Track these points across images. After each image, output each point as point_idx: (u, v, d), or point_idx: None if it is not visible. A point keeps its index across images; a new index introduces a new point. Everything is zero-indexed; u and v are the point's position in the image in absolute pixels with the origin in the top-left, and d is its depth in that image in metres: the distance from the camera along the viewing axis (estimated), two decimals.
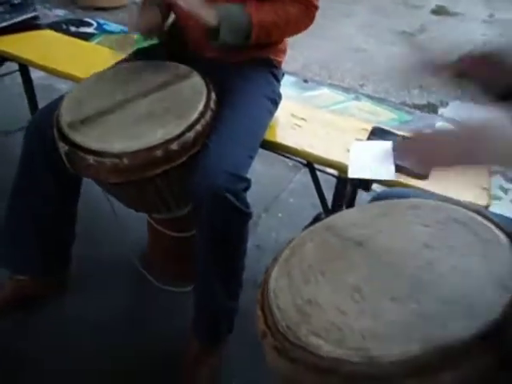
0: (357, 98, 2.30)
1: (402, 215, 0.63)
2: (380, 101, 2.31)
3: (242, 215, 0.85)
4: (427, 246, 0.56)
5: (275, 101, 1.02)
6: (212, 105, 0.87)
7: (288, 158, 1.63)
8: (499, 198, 1.68)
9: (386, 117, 2.13)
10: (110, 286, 1.21)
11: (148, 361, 1.05)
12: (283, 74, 1.12)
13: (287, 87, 2.41)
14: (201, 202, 0.82)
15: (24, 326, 1.10)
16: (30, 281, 1.09)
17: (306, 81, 2.44)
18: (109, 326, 1.12)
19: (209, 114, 0.85)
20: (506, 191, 1.73)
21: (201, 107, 0.84)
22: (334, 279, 0.56)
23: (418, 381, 0.42)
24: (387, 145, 1.03)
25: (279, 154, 1.19)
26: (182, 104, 0.85)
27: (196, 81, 0.90)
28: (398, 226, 0.62)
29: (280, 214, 1.52)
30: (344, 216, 0.69)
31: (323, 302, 0.53)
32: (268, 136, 1.08)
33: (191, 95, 0.86)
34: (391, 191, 0.79)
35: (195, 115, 0.83)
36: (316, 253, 0.62)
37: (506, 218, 0.72)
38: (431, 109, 2.29)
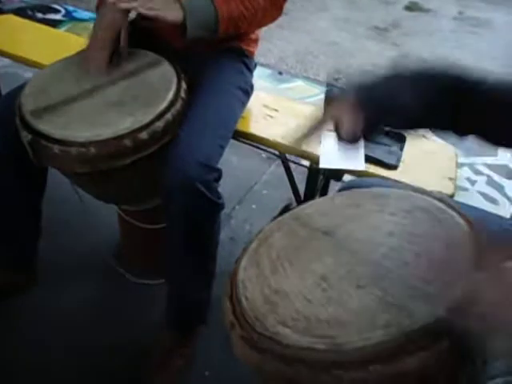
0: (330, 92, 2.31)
1: (369, 204, 0.64)
2: None
3: (214, 206, 0.85)
4: (392, 234, 0.57)
5: (247, 91, 1.01)
6: (182, 94, 0.85)
7: (261, 149, 1.64)
8: (466, 189, 1.74)
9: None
10: (81, 279, 1.19)
11: (120, 353, 1.04)
12: (255, 65, 1.11)
13: (262, 79, 2.41)
14: (171, 193, 0.81)
15: None
16: None
17: (280, 73, 2.44)
18: (80, 319, 1.10)
19: (179, 103, 0.83)
20: (473, 183, 1.79)
21: (171, 96, 0.83)
22: (301, 268, 0.57)
23: (381, 366, 0.43)
24: None
25: (251, 145, 1.19)
26: (151, 92, 0.83)
27: (166, 69, 0.88)
28: (364, 215, 0.63)
29: (254, 206, 1.52)
30: (312, 206, 0.70)
31: (290, 292, 0.53)
32: (240, 127, 1.07)
33: (161, 84, 0.85)
34: (359, 181, 0.81)
35: (165, 104, 0.81)
36: (284, 243, 0.62)
37: (469, 206, 0.75)
38: None
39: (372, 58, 2.62)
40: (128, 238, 1.20)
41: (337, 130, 0.61)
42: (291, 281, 0.55)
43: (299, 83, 2.36)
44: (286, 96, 2.16)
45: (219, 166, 0.87)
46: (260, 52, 2.78)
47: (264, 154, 1.71)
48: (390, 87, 0.59)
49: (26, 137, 0.78)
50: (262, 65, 2.36)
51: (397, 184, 0.79)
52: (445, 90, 0.59)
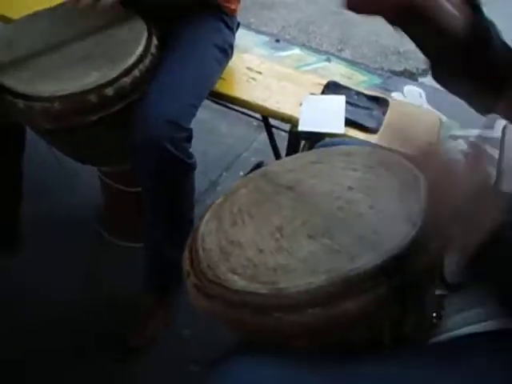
0: (328, 60, 2.25)
1: (334, 161, 0.64)
2: (353, 64, 2.27)
3: (184, 165, 0.84)
4: (351, 188, 0.57)
5: (225, 50, 0.98)
6: (153, 49, 0.83)
7: (252, 117, 1.62)
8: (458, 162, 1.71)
9: (356, 79, 2.10)
10: (64, 242, 1.20)
11: (101, 313, 1.06)
12: (238, 24, 1.08)
13: (259, 46, 2.35)
14: (139, 152, 0.80)
15: None
16: None
17: (277, 40, 2.37)
18: (63, 280, 1.12)
19: (148, 59, 0.81)
20: (466, 155, 1.76)
21: (139, 51, 0.81)
22: (259, 221, 0.57)
23: (321, 309, 0.43)
24: (339, 99, 1.02)
25: (236, 110, 1.17)
26: (119, 47, 0.81)
27: (136, 24, 0.86)
28: (328, 170, 0.62)
29: (241, 173, 1.51)
30: (280, 163, 0.69)
31: (244, 242, 0.54)
32: (221, 88, 1.06)
33: (130, 39, 0.82)
34: (332, 141, 0.79)
35: (133, 59, 0.79)
36: (248, 198, 0.62)
37: None
38: (408, 75, 2.27)
39: (378, 28, 2.54)
40: (110, 200, 1.21)
41: None
42: (247, 232, 0.55)
43: (296, 51, 2.30)
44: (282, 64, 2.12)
45: (191, 126, 0.85)
46: (262, 21, 2.70)
47: (255, 122, 1.69)
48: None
49: None
50: (263, 33, 2.30)
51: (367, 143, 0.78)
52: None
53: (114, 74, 0.76)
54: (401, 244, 0.45)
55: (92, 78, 0.75)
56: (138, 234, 1.12)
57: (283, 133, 1.33)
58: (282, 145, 1.25)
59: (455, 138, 1.83)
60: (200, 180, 1.26)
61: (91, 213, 1.23)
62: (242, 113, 1.60)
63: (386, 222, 0.49)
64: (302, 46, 2.34)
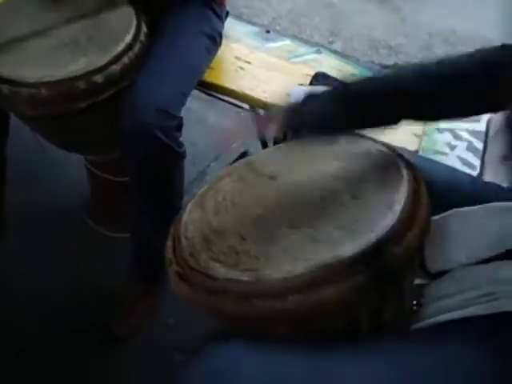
0: (318, 52, 2.25)
1: (319, 150, 0.64)
2: (344, 56, 2.27)
3: (174, 154, 0.84)
4: (335, 177, 0.57)
5: (214, 38, 0.98)
6: (142, 37, 0.82)
7: (240, 107, 1.61)
8: (445, 154, 1.73)
9: (346, 71, 2.10)
10: (50, 231, 1.19)
11: (87, 302, 1.06)
12: (227, 13, 1.07)
13: (248, 37, 2.33)
14: (128, 140, 0.80)
15: None
16: None
17: (268, 31, 2.35)
18: (49, 269, 1.11)
19: (138, 47, 0.81)
20: (452, 148, 1.79)
21: (129, 39, 0.80)
22: (242, 210, 0.57)
23: (301, 296, 0.44)
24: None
25: (220, 98, 1.17)
26: (108, 34, 0.80)
27: (125, 10, 0.85)
28: (312, 160, 0.63)
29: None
30: (264, 153, 0.70)
31: (227, 230, 0.54)
32: (209, 78, 1.05)
33: (119, 25, 0.82)
34: None
35: (122, 46, 0.78)
36: (231, 187, 0.62)
37: (432, 161, 0.75)
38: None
39: (370, 21, 2.53)
40: (96, 190, 1.20)
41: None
42: (230, 221, 0.56)
43: (287, 42, 2.29)
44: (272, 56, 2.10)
45: (182, 114, 0.85)
46: (253, 12, 2.67)
47: (243, 113, 1.68)
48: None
49: None
50: (254, 24, 2.28)
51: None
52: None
53: (103, 60, 0.76)
54: (380, 233, 0.46)
55: (80, 64, 0.75)
56: (124, 223, 1.12)
57: None
58: (270, 136, 1.25)
59: (442, 130, 1.85)
60: (188, 170, 1.26)
61: (77, 202, 1.22)
62: (231, 103, 1.60)
63: (367, 212, 0.50)
64: (293, 37, 2.33)
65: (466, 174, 0.82)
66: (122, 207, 1.06)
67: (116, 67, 0.77)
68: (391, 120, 0.58)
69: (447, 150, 1.76)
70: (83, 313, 1.04)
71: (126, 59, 0.78)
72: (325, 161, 0.61)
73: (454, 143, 1.79)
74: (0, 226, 1.13)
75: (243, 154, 0.87)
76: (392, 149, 0.60)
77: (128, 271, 1.03)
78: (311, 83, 1.07)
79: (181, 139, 0.87)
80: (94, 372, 0.97)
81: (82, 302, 1.06)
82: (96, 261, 1.15)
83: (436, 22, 2.48)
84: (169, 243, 0.57)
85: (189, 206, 0.61)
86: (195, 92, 1.56)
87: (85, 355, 0.99)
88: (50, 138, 0.93)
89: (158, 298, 1.04)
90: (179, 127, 0.84)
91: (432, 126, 1.81)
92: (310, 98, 0.61)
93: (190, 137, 1.39)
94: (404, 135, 0.98)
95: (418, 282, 0.56)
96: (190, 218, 0.58)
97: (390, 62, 2.32)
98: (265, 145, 1.20)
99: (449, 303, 0.50)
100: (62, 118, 0.79)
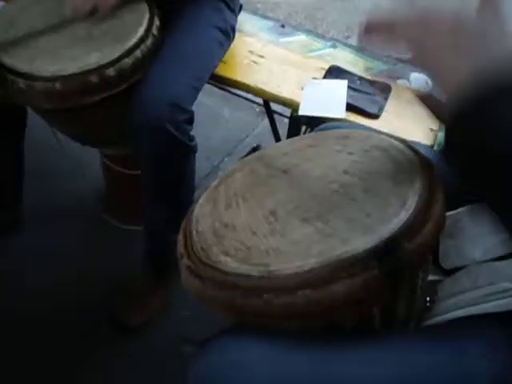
0: (334, 46, 2.22)
1: (331, 144, 0.63)
2: (359, 50, 2.24)
3: (185, 148, 0.84)
4: (346, 172, 0.56)
5: (227, 32, 0.97)
6: (154, 31, 0.82)
7: (255, 103, 1.61)
8: None
9: (361, 66, 2.07)
10: (66, 225, 1.21)
11: (101, 293, 1.08)
12: (241, 6, 1.07)
13: (263, 31, 2.31)
14: (139, 134, 0.80)
15: None
16: None
17: (283, 26, 2.33)
18: (64, 261, 1.13)
19: (150, 41, 0.81)
20: None
21: (141, 32, 0.80)
22: (253, 204, 0.57)
23: (311, 291, 0.44)
24: (341, 83, 1.01)
25: (233, 93, 1.16)
26: (121, 28, 0.80)
27: (138, 4, 0.85)
28: (324, 154, 0.62)
29: None
30: (276, 147, 0.69)
31: (238, 225, 0.54)
32: (222, 71, 1.05)
33: (132, 19, 0.82)
34: (332, 125, 0.79)
35: (134, 40, 0.79)
36: (243, 181, 0.62)
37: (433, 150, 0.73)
38: None
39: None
40: (112, 183, 1.22)
41: None
42: (241, 215, 0.55)
43: (302, 37, 2.26)
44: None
45: (193, 108, 0.85)
46: (268, 7, 2.66)
47: (257, 108, 1.68)
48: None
49: None
50: (269, 18, 2.26)
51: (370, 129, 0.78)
52: None
53: (115, 54, 0.76)
54: (393, 228, 0.45)
55: (93, 58, 0.75)
56: (138, 217, 1.13)
57: (285, 119, 1.33)
58: (284, 131, 1.24)
59: None
60: (202, 165, 1.27)
61: (92, 195, 1.24)
62: (245, 98, 1.59)
63: (380, 206, 0.49)
64: (308, 32, 2.31)
65: None
66: (136, 200, 1.08)
67: (128, 61, 0.77)
68: None
69: None
70: (96, 304, 1.06)
71: (138, 53, 0.79)
72: (337, 155, 0.60)
73: None
74: (17, 219, 1.15)
75: (255, 149, 0.86)
76: (406, 143, 0.58)
77: (141, 264, 1.04)
78: (325, 77, 1.06)
79: (192, 133, 0.88)
80: (106, 362, 0.99)
81: (95, 293, 1.08)
82: (110, 253, 1.17)
83: None
84: (180, 237, 0.57)
85: (200, 200, 0.61)
86: (209, 87, 1.56)
87: (97, 345, 1.01)
88: (65, 131, 0.95)
89: (171, 291, 1.05)
90: (190, 121, 0.84)
91: None
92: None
93: (203, 131, 1.39)
94: (419, 130, 0.96)
95: (431, 278, 0.55)
96: (202, 212, 0.58)
97: (407, 56, 2.27)
98: (278, 140, 1.20)
99: (463, 300, 0.49)
100: (75, 111, 0.80)
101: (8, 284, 1.09)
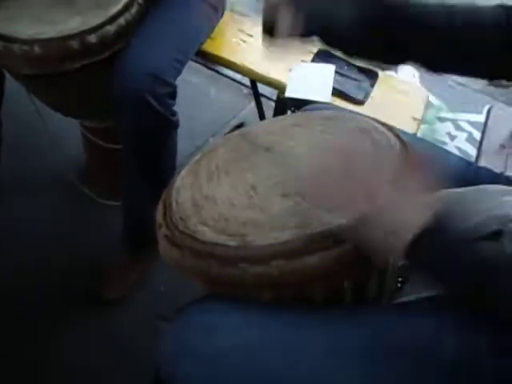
0: None
1: (314, 125, 0.64)
2: None
3: (166, 121, 0.83)
4: (330, 151, 0.57)
5: (215, 7, 0.95)
6: None
7: (242, 84, 1.59)
8: (445, 144, 1.73)
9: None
10: (44, 197, 1.19)
11: (78, 267, 1.07)
12: None
13: (256, 13, 2.28)
14: (120, 105, 0.78)
15: None
16: None
17: None
18: (41, 233, 1.11)
19: (135, 9, 0.78)
20: (452, 138, 1.78)
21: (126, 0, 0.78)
22: (234, 178, 0.57)
23: (285, 262, 0.44)
24: (329, 68, 1.01)
25: (221, 74, 1.15)
26: None
27: None
28: (306, 134, 0.62)
29: None
30: (261, 125, 0.69)
31: (218, 198, 0.54)
32: (209, 48, 1.03)
33: None
34: (317, 106, 0.79)
35: (118, 7, 0.76)
36: (225, 156, 0.62)
37: (421, 139, 0.74)
38: None
39: None
40: (92, 157, 1.19)
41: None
42: (222, 188, 0.55)
43: None
44: None
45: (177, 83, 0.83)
46: None
47: (245, 90, 1.66)
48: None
49: None
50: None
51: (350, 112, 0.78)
52: (382, 13, 0.56)
53: (98, 20, 0.74)
54: (366, 209, 0.46)
55: (75, 22, 0.73)
56: (118, 191, 1.12)
57: (272, 102, 1.32)
58: (270, 114, 1.24)
59: (443, 120, 1.83)
60: (185, 144, 1.25)
61: (72, 168, 1.21)
62: (232, 79, 1.57)
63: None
64: None
65: (460, 157, 0.82)
66: (116, 175, 1.06)
67: (111, 28, 0.75)
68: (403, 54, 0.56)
69: (447, 139, 1.75)
70: (73, 277, 1.05)
71: (122, 20, 0.76)
72: (319, 135, 0.61)
73: (454, 133, 1.79)
74: None
75: (239, 126, 0.86)
76: (388, 127, 0.59)
77: (119, 238, 1.03)
78: (313, 60, 1.05)
79: (176, 111, 0.86)
80: (80, 335, 0.98)
81: (72, 266, 1.07)
82: (88, 227, 1.15)
83: None
84: (159, 207, 0.57)
85: (182, 173, 0.61)
86: (197, 66, 1.53)
87: (73, 318, 1.00)
88: (45, 100, 0.92)
89: (148, 266, 1.04)
90: (173, 95, 0.83)
91: (433, 114, 1.80)
92: None
93: (189, 111, 1.37)
94: (403, 118, 0.97)
95: (404, 261, 0.57)
96: (183, 183, 0.58)
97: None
98: (262, 117, 1.19)
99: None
100: (55, 77, 0.78)
101: None
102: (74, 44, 0.72)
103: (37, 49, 0.71)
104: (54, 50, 0.72)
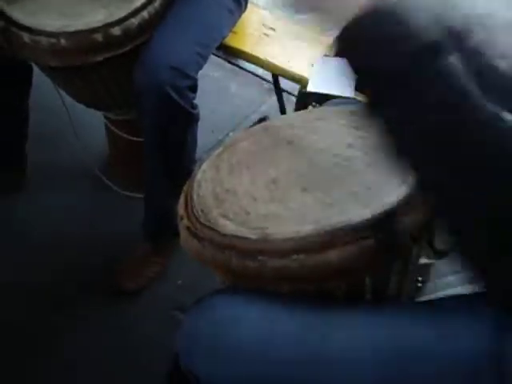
0: None
1: (337, 119, 0.63)
2: None
3: (187, 114, 0.83)
4: (351, 145, 0.56)
5: (239, 1, 0.95)
6: None
7: (263, 79, 1.58)
8: None
9: None
10: (68, 189, 1.21)
11: (100, 260, 1.09)
12: None
13: (278, 7, 2.27)
14: (141, 97, 0.79)
15: None
16: None
17: None
18: (64, 227, 1.14)
19: (158, 2, 0.79)
20: None
21: None
22: (256, 172, 0.57)
23: (305, 256, 0.44)
24: None
25: (243, 68, 1.14)
26: None
27: None
28: (330, 128, 0.62)
29: None
30: (283, 119, 0.68)
31: (239, 191, 0.54)
32: (231, 42, 1.03)
33: None
34: (340, 101, 0.78)
35: (142, 0, 0.77)
36: (247, 150, 0.62)
37: None
38: None
39: None
40: (115, 149, 1.21)
41: None
42: (243, 182, 0.56)
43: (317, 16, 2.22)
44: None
45: (198, 76, 0.83)
46: None
47: (266, 85, 1.65)
48: None
49: None
50: None
51: None
52: None
53: (121, 13, 0.75)
54: (392, 202, 0.45)
55: (99, 15, 0.74)
56: (141, 184, 1.13)
57: (293, 97, 1.30)
58: (292, 109, 1.22)
59: None
60: (206, 138, 1.25)
61: (96, 160, 1.23)
62: (254, 74, 1.57)
63: (381, 181, 0.49)
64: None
65: None
66: (138, 168, 1.07)
67: (134, 21, 0.76)
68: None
69: None
70: (95, 267, 1.07)
71: (145, 13, 0.77)
72: (343, 129, 0.60)
73: None
74: (21, 180, 1.15)
75: (262, 119, 0.86)
76: None
77: (140, 230, 1.04)
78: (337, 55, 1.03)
79: (198, 104, 0.86)
80: (99, 325, 1.00)
81: (95, 257, 1.09)
82: (110, 219, 1.17)
83: None
84: (181, 200, 0.58)
85: (203, 166, 0.61)
86: (219, 60, 1.52)
87: (92, 308, 1.02)
88: (69, 91, 0.94)
89: (168, 259, 1.05)
90: (194, 88, 0.83)
91: None
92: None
93: (210, 104, 1.37)
94: None
95: (426, 261, 0.55)
96: (204, 176, 0.59)
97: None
98: (283, 111, 1.18)
99: (453, 280, 0.49)
100: (80, 70, 0.79)
101: (12, 244, 1.10)
102: (99, 37, 0.73)
103: (63, 41, 0.73)
104: (80, 42, 0.73)
